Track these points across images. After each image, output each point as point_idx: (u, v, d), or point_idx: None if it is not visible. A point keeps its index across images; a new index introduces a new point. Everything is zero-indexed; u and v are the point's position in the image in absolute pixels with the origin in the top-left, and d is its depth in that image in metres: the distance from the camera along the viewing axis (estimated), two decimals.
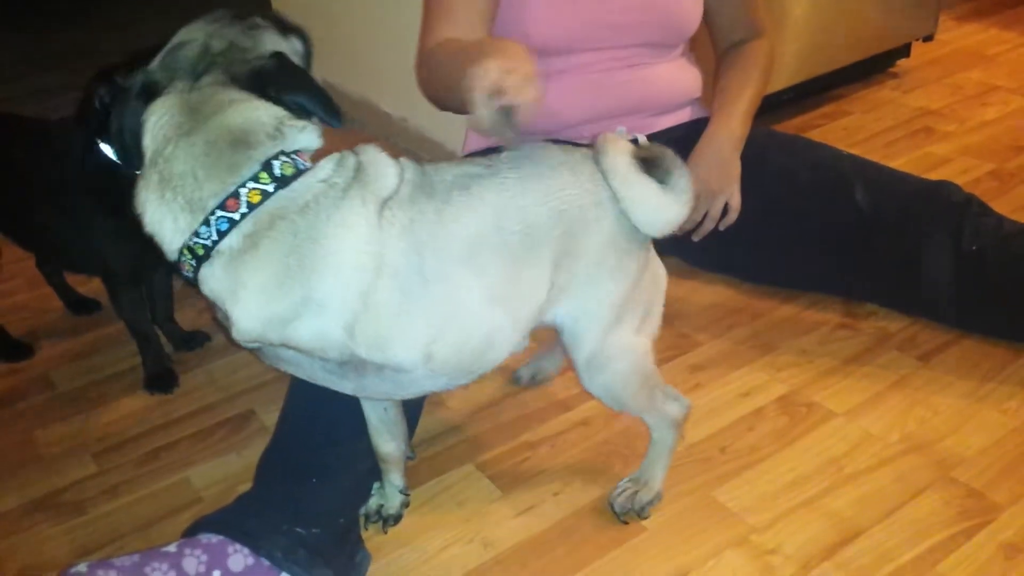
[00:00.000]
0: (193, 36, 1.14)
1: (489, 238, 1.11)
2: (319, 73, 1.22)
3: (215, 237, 1.04)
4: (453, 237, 1.10)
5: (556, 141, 1.68)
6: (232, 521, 1.24)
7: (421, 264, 1.08)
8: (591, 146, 1.22)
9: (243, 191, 1.04)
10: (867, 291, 1.81)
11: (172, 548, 1.19)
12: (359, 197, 1.06)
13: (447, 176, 1.14)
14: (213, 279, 1.05)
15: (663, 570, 1.32)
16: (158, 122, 1.07)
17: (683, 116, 1.82)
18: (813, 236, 1.75)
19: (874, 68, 2.94)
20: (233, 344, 1.13)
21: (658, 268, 1.31)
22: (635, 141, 1.73)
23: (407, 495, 1.45)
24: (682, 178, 1.21)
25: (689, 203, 1.21)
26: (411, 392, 1.21)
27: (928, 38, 2.98)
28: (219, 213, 1.03)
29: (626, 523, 1.39)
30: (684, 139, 1.73)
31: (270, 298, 1.03)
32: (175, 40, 1.14)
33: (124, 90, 1.12)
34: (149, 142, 1.07)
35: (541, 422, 1.61)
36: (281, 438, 1.37)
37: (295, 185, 1.05)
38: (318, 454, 1.32)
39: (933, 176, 1.79)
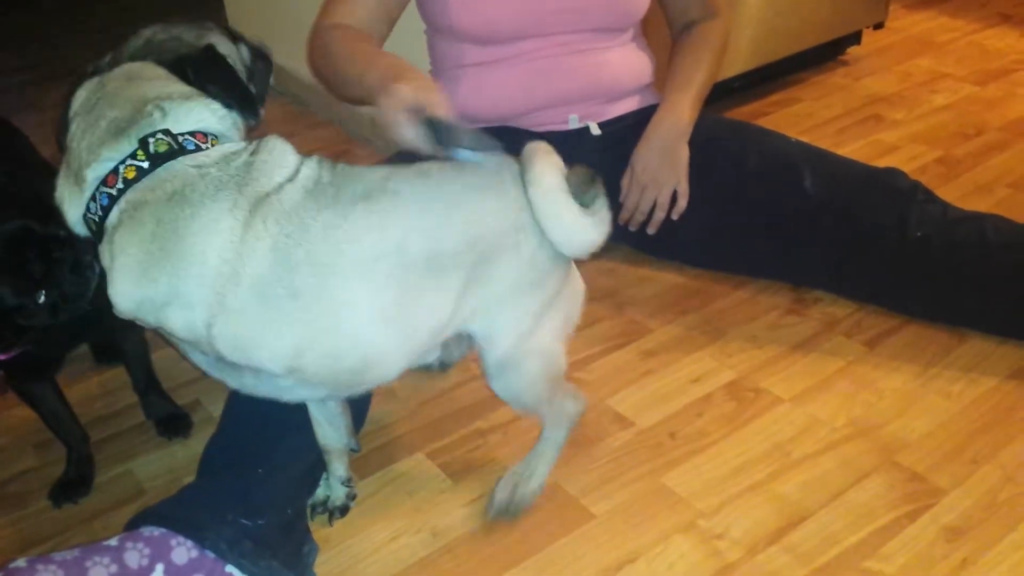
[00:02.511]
0: (144, 31, 1.21)
1: (387, 259, 1.07)
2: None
3: (100, 213, 1.07)
4: (342, 255, 1.05)
5: (506, 130, 1.70)
6: (176, 513, 1.22)
7: (291, 280, 1.04)
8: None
9: (121, 167, 1.06)
10: (815, 278, 1.83)
11: (114, 542, 1.17)
12: (230, 200, 1.04)
13: (359, 185, 1.09)
14: (102, 256, 1.07)
15: (612, 556, 1.32)
16: (75, 101, 1.12)
17: (634, 103, 1.82)
18: (762, 223, 1.76)
19: (825, 55, 2.96)
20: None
21: (578, 284, 1.29)
22: (586, 129, 1.75)
23: (351, 487, 1.43)
24: (604, 206, 1.20)
25: (605, 232, 1.19)
26: (292, 398, 1.19)
27: (879, 26, 3.01)
28: (102, 188, 1.07)
29: (500, 519, 1.38)
30: (636, 126, 1.74)
31: (136, 281, 1.04)
32: (127, 40, 1.20)
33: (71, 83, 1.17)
34: (69, 121, 1.11)
35: (491, 410, 1.61)
36: (226, 429, 1.35)
37: (169, 165, 1.06)
38: (263, 445, 1.30)
39: (882, 163, 1.81)
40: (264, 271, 1.03)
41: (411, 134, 1.18)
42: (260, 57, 1.30)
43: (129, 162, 1.07)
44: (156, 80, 1.14)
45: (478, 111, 1.68)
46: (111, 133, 1.08)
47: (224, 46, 1.25)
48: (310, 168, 1.10)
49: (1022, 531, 1.32)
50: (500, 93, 1.67)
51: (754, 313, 1.82)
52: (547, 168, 1.15)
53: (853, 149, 2.42)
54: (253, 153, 1.10)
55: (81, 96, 1.13)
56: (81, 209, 1.10)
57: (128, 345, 1.56)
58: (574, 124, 1.74)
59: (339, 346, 1.08)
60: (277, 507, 1.27)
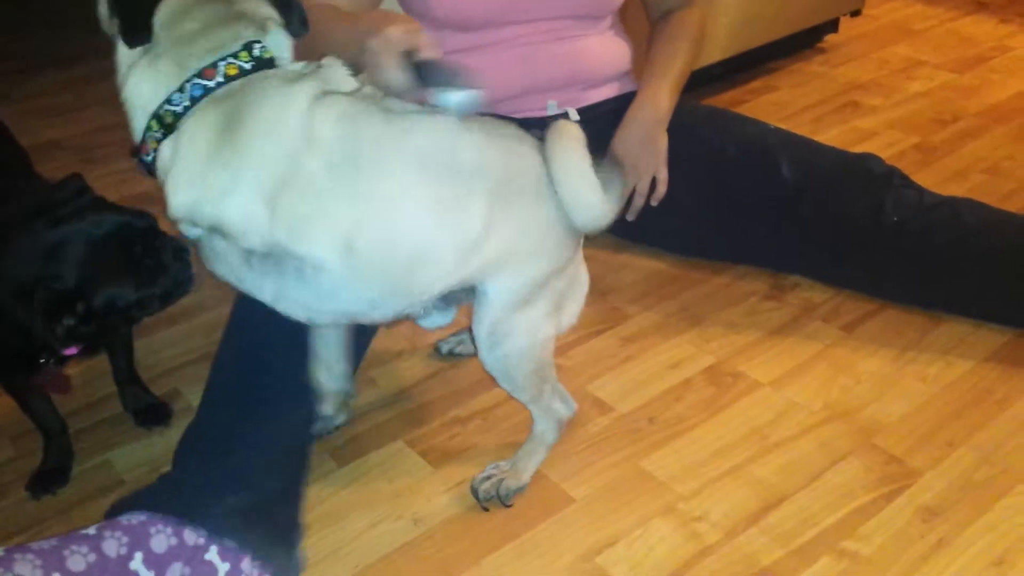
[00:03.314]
0: None
1: (440, 157, 1.13)
2: None
3: (187, 103, 1.09)
4: (401, 142, 1.12)
5: (489, 116, 1.69)
6: (162, 495, 1.22)
7: (356, 152, 1.09)
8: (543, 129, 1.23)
9: (222, 64, 1.11)
10: (793, 263, 1.84)
11: (92, 531, 1.16)
12: (309, 83, 1.10)
13: (411, 106, 1.16)
14: (165, 153, 1.10)
15: (591, 540, 1.33)
16: None
17: (613, 90, 1.82)
18: (740, 209, 1.77)
19: (802, 43, 2.97)
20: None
21: (583, 275, 1.33)
22: (565, 115, 1.75)
23: (327, 424, 1.51)
24: (618, 184, 1.24)
25: (616, 210, 1.23)
26: (331, 307, 1.19)
27: (856, 13, 3.02)
28: (195, 80, 1.10)
29: (486, 509, 1.39)
30: (614, 113, 1.74)
31: (202, 170, 1.07)
32: None
33: None
34: (163, 12, 1.14)
35: (471, 397, 1.61)
36: (207, 415, 1.34)
37: (266, 71, 1.13)
38: (248, 429, 1.30)
39: (859, 149, 1.81)
40: (333, 138, 1.08)
41: (398, 76, 1.17)
42: None
43: (231, 60, 1.11)
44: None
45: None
46: (222, 31, 1.13)
47: None
48: (371, 88, 1.18)
49: (997, 511, 1.33)
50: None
51: (733, 299, 1.83)
52: (575, 138, 1.20)
53: (831, 136, 2.43)
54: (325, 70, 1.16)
55: None
56: (161, 99, 1.11)
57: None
58: (552, 110, 1.74)
59: (394, 230, 1.12)
60: (264, 488, 1.27)
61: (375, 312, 1.21)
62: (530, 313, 1.25)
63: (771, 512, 1.35)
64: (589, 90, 1.79)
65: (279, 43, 1.19)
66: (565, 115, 1.75)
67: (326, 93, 1.12)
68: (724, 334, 1.73)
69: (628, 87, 1.84)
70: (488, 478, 1.40)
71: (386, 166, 1.11)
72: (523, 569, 1.29)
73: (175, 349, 1.78)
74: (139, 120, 1.14)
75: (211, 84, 1.10)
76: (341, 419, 1.52)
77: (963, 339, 1.67)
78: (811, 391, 1.58)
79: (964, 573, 1.25)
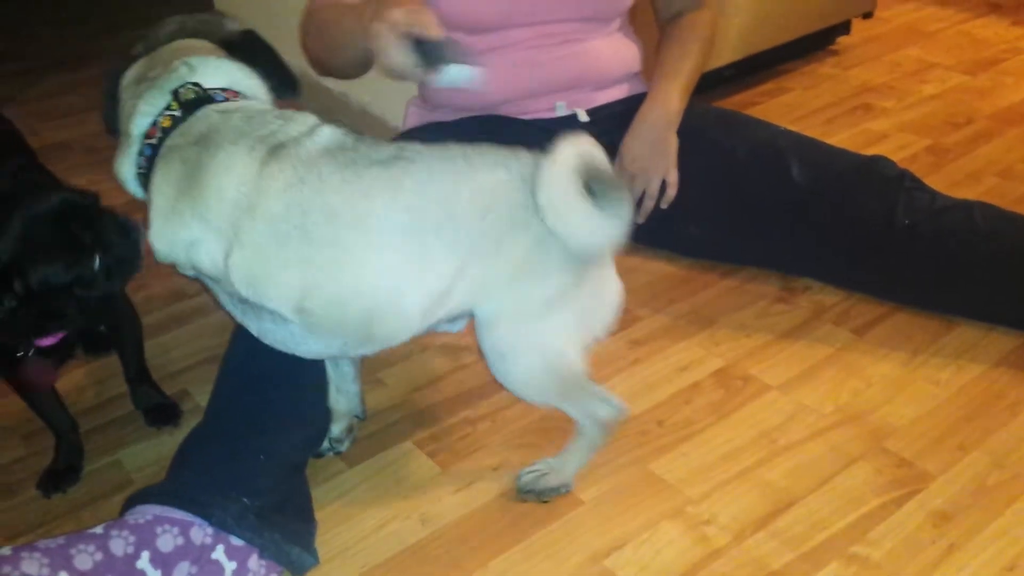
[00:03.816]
0: (171, 20, 1.31)
1: (396, 219, 1.12)
2: None
3: (145, 164, 1.18)
4: (353, 208, 1.11)
5: (493, 118, 1.69)
6: (179, 491, 1.23)
7: (303, 222, 1.11)
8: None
9: (159, 118, 1.18)
10: (803, 266, 1.83)
11: (99, 530, 1.17)
12: (249, 142, 1.13)
13: (375, 152, 1.15)
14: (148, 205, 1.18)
15: (600, 542, 1.32)
16: (125, 79, 1.25)
17: (622, 91, 1.81)
18: (750, 212, 1.76)
19: (814, 45, 2.96)
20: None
21: (608, 289, 1.27)
22: (574, 117, 1.75)
23: (335, 447, 1.50)
24: (621, 203, 1.15)
25: (616, 235, 1.15)
26: (306, 350, 1.23)
27: (868, 15, 3.01)
28: (145, 142, 1.19)
29: (524, 500, 1.39)
30: (623, 114, 1.74)
31: (168, 219, 1.15)
32: (155, 27, 1.30)
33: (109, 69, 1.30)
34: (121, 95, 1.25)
35: (481, 399, 1.61)
36: (216, 417, 1.35)
37: (200, 112, 1.17)
38: (258, 431, 1.30)
39: (871, 152, 1.80)
40: (278, 209, 1.11)
41: (401, 57, 1.19)
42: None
43: (165, 113, 1.18)
44: (194, 49, 1.26)
45: (465, 98, 1.68)
46: (148, 90, 1.20)
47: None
48: (331, 131, 1.18)
49: (1009, 517, 1.32)
50: (490, 81, 1.66)
51: (742, 302, 1.82)
52: (560, 160, 1.12)
53: (842, 139, 2.42)
54: (277, 113, 1.19)
55: (131, 73, 1.25)
56: (134, 167, 1.21)
57: (126, 332, 1.56)
58: (561, 112, 1.74)
59: (343, 294, 1.13)
60: (275, 491, 1.28)
61: (353, 352, 1.23)
62: (536, 335, 1.21)
63: (780, 516, 1.35)
64: (598, 91, 1.78)
65: (212, 73, 1.22)
66: (574, 116, 1.75)
67: (275, 151, 1.12)
68: (734, 337, 1.72)
69: (638, 88, 1.83)
70: (533, 471, 1.40)
71: (335, 235, 1.11)
72: (531, 571, 1.29)
73: (184, 349, 1.78)
74: (133, 189, 1.25)
75: (155, 141, 1.18)
76: (346, 444, 1.51)
77: (975, 343, 1.66)
78: (821, 394, 1.57)
79: None
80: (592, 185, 1.13)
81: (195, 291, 1.95)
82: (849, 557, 1.28)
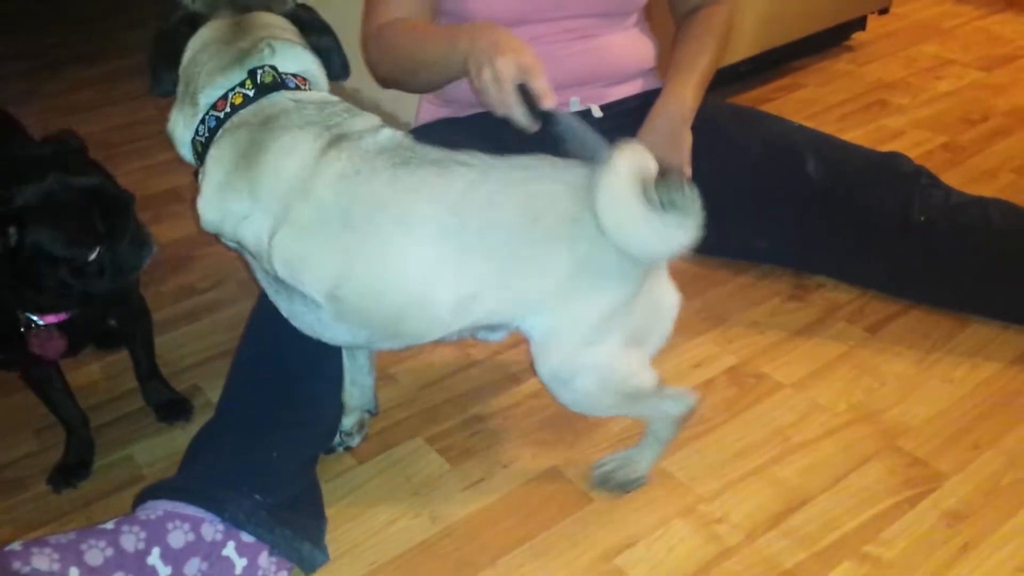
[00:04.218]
0: None
1: (440, 220, 1.11)
2: None
3: (207, 134, 1.20)
4: (399, 204, 1.11)
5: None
6: (192, 486, 1.23)
7: (349, 210, 1.12)
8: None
9: (230, 94, 1.19)
10: (817, 263, 1.82)
11: (110, 525, 1.17)
12: (315, 130, 1.15)
13: (432, 154, 1.16)
14: (200, 177, 1.20)
15: (611, 540, 1.32)
16: (200, 38, 1.24)
17: (637, 87, 1.80)
18: (765, 208, 1.75)
19: (830, 41, 2.95)
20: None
21: (663, 296, 1.23)
22: (588, 112, 1.74)
23: (346, 441, 1.50)
24: (687, 200, 1.11)
25: (683, 242, 1.11)
26: (331, 336, 1.23)
27: (884, 11, 2.99)
28: (211, 112, 1.20)
29: (594, 493, 1.39)
30: (638, 110, 1.73)
31: (222, 192, 1.16)
32: None
33: (169, 25, 1.28)
34: (187, 57, 1.24)
35: (491, 395, 1.61)
36: (227, 413, 1.35)
37: (272, 96, 1.19)
38: (272, 425, 1.30)
39: (887, 148, 1.79)
40: (328, 195, 1.12)
41: (517, 111, 1.26)
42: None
43: (238, 89, 1.19)
44: (278, 27, 1.27)
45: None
46: (227, 63, 1.21)
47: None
48: (393, 132, 1.19)
49: (1023, 516, 1.31)
50: None
51: (756, 299, 1.81)
52: (619, 167, 1.08)
53: (857, 135, 2.40)
54: (345, 107, 1.21)
55: (206, 36, 1.25)
56: (191, 132, 1.22)
57: (137, 329, 1.56)
58: (575, 107, 1.73)
59: (377, 286, 1.14)
60: (288, 486, 1.28)
61: (378, 345, 1.22)
62: (596, 351, 1.18)
63: (793, 514, 1.34)
64: (612, 86, 1.77)
65: (290, 58, 1.24)
66: (588, 112, 1.74)
67: (337, 140, 1.15)
68: (747, 334, 1.71)
69: (653, 84, 1.82)
70: (607, 465, 1.39)
71: (377, 227, 1.12)
72: (541, 569, 1.29)
73: (196, 345, 1.78)
74: (184, 152, 1.26)
75: (221, 115, 1.19)
76: (357, 440, 1.51)
77: (990, 341, 1.65)
78: (835, 392, 1.56)
79: None
80: (655, 192, 1.10)
81: (205, 287, 1.95)
82: (862, 556, 1.27)
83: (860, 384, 1.57)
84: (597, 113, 1.74)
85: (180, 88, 1.25)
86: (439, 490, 1.43)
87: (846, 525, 1.32)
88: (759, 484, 1.39)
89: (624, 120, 1.72)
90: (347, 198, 1.12)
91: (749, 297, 1.82)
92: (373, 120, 1.21)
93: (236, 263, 2.00)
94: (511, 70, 1.26)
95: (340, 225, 1.12)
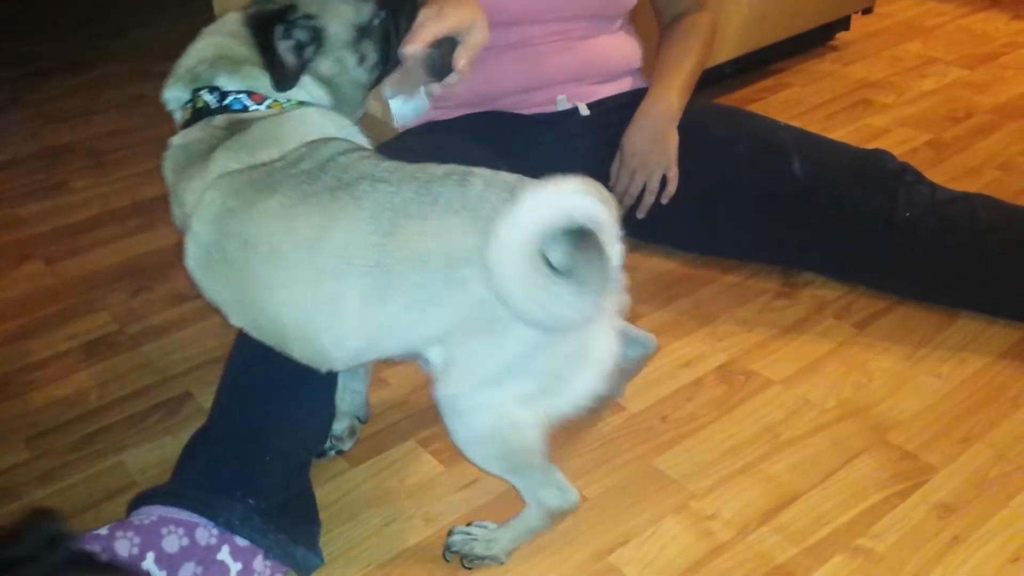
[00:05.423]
0: None
1: (319, 255, 1.09)
2: None
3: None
4: (268, 241, 1.12)
5: (496, 115, 1.69)
6: (185, 491, 1.23)
7: (224, 247, 1.15)
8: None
9: (178, 114, 1.26)
10: (805, 260, 1.83)
11: (104, 531, 1.17)
12: (199, 165, 1.18)
13: (336, 178, 1.12)
14: None
15: (604, 538, 1.32)
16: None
17: (624, 85, 1.82)
18: (751, 206, 1.76)
19: (814, 41, 2.96)
20: None
21: (595, 346, 1.11)
22: (575, 110, 1.75)
23: (335, 444, 1.51)
24: (601, 272, 1.00)
25: (582, 312, 0.99)
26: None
27: (868, 11, 3.01)
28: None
29: (447, 560, 1.31)
30: (623, 108, 1.74)
31: (173, 201, 1.23)
32: None
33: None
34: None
35: None
36: (219, 418, 1.35)
37: (206, 119, 1.21)
38: (264, 432, 1.30)
39: (872, 147, 1.80)
40: (207, 232, 1.16)
41: (415, 49, 1.25)
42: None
43: (180, 110, 1.26)
44: (228, 36, 1.26)
45: (466, 92, 1.68)
46: (180, 79, 1.26)
47: (341, 7, 1.26)
48: (307, 151, 1.16)
49: (1012, 508, 1.33)
50: (490, 75, 1.66)
51: (744, 297, 1.82)
52: (519, 217, 0.95)
53: (843, 134, 2.42)
54: (270, 122, 1.20)
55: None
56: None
57: None
58: (562, 105, 1.74)
59: (258, 319, 1.19)
60: (282, 491, 1.28)
61: (320, 365, 1.20)
62: (491, 393, 1.10)
63: (784, 510, 1.34)
64: (599, 85, 1.78)
65: (239, 81, 1.23)
66: (575, 110, 1.75)
67: (214, 179, 1.16)
68: (736, 332, 1.72)
69: (639, 83, 1.84)
70: (465, 533, 1.30)
71: (247, 263, 1.14)
72: (535, 567, 1.29)
73: (187, 351, 1.78)
74: None
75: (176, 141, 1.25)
76: (348, 444, 1.51)
77: (977, 335, 1.66)
78: (824, 389, 1.57)
79: (979, 570, 1.24)
80: (574, 240, 0.99)
81: (196, 294, 1.93)
82: (853, 550, 1.28)
83: (849, 380, 1.59)
84: (584, 111, 1.75)
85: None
86: (432, 492, 1.43)
87: (837, 519, 1.32)
88: (750, 481, 1.40)
89: (611, 118, 1.73)
90: (222, 234, 1.15)
91: (738, 295, 1.83)
92: (289, 136, 1.19)
93: None
94: (451, 13, 1.28)
95: (219, 261, 1.17)
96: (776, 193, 1.72)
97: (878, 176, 1.68)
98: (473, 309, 1.06)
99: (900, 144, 2.35)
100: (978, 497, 1.34)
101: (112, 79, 3.10)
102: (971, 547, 1.27)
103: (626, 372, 1.47)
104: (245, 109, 1.22)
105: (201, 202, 1.16)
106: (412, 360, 1.20)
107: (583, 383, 1.12)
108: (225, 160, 1.17)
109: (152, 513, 1.20)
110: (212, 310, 1.83)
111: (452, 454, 1.49)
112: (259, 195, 1.13)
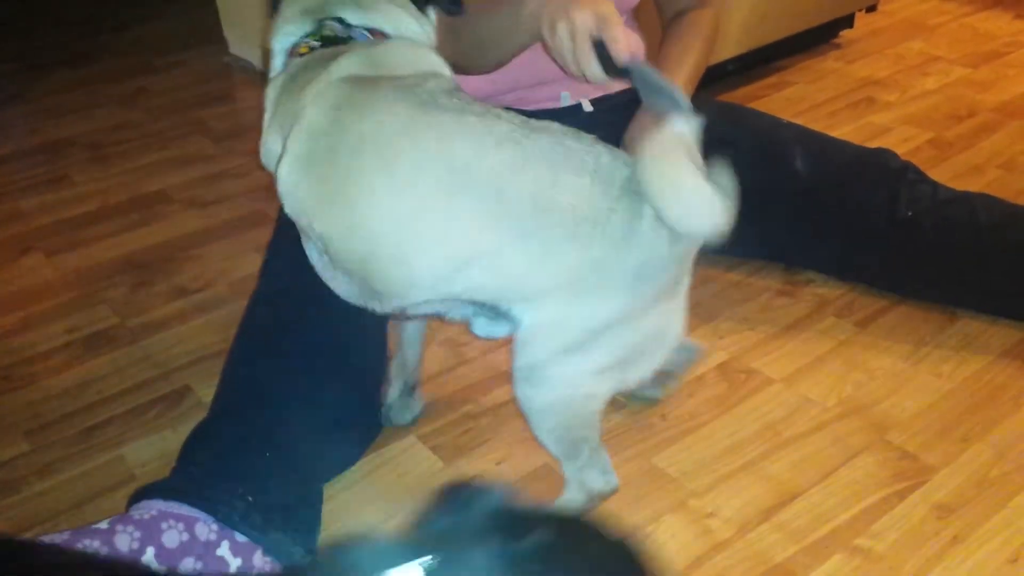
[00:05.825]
0: None
1: (438, 171, 1.06)
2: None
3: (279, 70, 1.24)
4: (387, 143, 1.07)
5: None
6: (186, 486, 1.23)
7: (335, 138, 1.10)
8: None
9: (299, 45, 1.23)
10: (806, 258, 1.83)
11: (104, 525, 1.17)
12: (317, 79, 1.13)
13: (475, 105, 1.11)
14: None
15: None
16: None
17: (627, 82, 1.81)
18: (753, 204, 1.74)
19: (818, 39, 2.96)
20: None
21: (670, 323, 1.15)
22: (579, 107, 1.74)
23: (387, 407, 1.51)
24: (728, 178, 1.11)
25: (729, 216, 1.08)
26: (335, 286, 1.23)
27: (871, 9, 3.01)
28: (287, 59, 1.24)
29: None
30: (627, 105, 1.73)
31: (269, 131, 1.19)
32: None
33: None
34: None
35: (484, 393, 1.61)
36: (220, 412, 1.35)
37: (327, 49, 1.19)
38: (266, 429, 1.30)
39: (874, 145, 1.80)
40: (321, 121, 1.11)
41: (595, 68, 1.19)
42: None
43: (304, 40, 1.22)
44: None
45: (469, 88, 1.67)
46: (303, 15, 1.24)
47: None
48: (432, 77, 1.16)
49: (1012, 509, 1.32)
50: (499, 71, 1.66)
51: (745, 295, 1.82)
52: (669, 138, 1.06)
53: (846, 132, 2.41)
54: (395, 45, 1.22)
55: None
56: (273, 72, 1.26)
57: None
58: (566, 101, 1.73)
59: (347, 226, 1.10)
60: (283, 487, 1.28)
61: (368, 303, 1.19)
62: (575, 362, 1.11)
63: (784, 508, 1.34)
64: None
65: (369, 18, 1.23)
66: (578, 106, 1.74)
67: (350, 78, 1.12)
68: (737, 330, 1.72)
69: None
70: None
71: (359, 164, 1.08)
72: None
73: (187, 346, 1.78)
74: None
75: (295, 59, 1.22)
76: (408, 417, 1.52)
77: (978, 335, 1.66)
78: (824, 387, 1.57)
79: (979, 570, 1.24)
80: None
81: (196, 288, 1.95)
82: (852, 549, 1.28)
83: (850, 379, 1.58)
84: (588, 108, 1.75)
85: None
86: (432, 488, 1.42)
87: (837, 518, 1.32)
88: (750, 479, 1.40)
89: (614, 115, 1.73)
90: (336, 127, 1.09)
91: (739, 293, 1.83)
92: (411, 63, 1.19)
93: (227, 263, 2.00)
94: (589, 21, 1.17)
95: (325, 153, 1.10)
96: (778, 190, 1.72)
97: (880, 174, 1.68)
98: (587, 267, 1.06)
99: (903, 142, 2.35)
100: (978, 497, 1.34)
101: (113, 74, 3.09)
102: (971, 547, 1.27)
103: (667, 376, 1.49)
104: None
105: (321, 92, 1.11)
106: (499, 329, 1.18)
107: (654, 358, 1.16)
108: (349, 64, 1.14)
109: (152, 507, 1.20)
110: (213, 304, 1.88)
111: (453, 450, 1.49)
112: (384, 96, 1.10)
